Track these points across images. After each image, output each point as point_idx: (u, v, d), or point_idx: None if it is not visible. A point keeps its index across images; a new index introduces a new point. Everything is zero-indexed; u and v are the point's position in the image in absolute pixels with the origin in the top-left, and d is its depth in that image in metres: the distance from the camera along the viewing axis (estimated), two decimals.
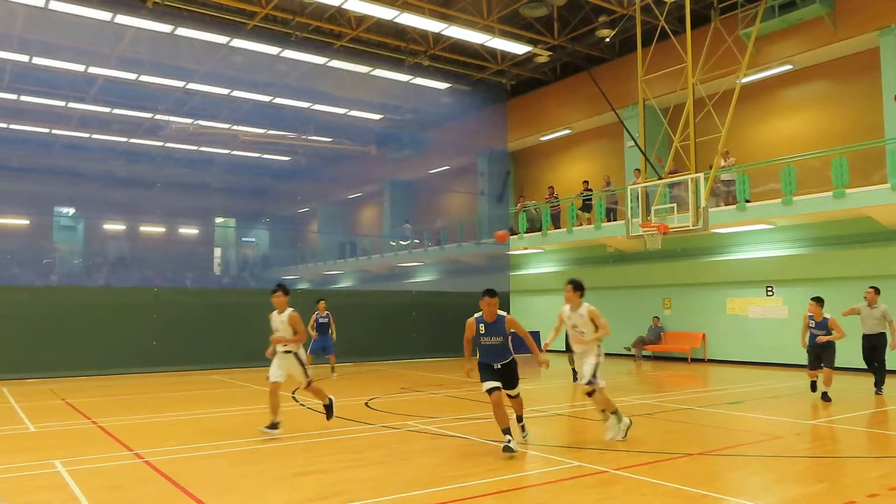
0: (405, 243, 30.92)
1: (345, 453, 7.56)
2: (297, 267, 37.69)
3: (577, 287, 8.09)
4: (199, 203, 34.95)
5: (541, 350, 7.84)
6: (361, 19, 20.80)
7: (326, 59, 22.64)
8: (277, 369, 8.77)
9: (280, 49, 21.60)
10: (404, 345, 21.84)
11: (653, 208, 17.33)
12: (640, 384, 15.32)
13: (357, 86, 25.42)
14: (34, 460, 7.25)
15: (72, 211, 36.21)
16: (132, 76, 23.62)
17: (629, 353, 21.54)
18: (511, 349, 7.58)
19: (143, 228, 37.56)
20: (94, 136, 29.38)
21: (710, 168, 17.39)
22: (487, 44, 21.56)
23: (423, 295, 23.83)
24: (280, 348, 8.80)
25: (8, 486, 6.22)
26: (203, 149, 31.53)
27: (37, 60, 22.08)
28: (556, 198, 24.28)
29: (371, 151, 31.71)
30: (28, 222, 34.41)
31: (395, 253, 31.54)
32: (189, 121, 28.61)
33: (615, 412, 8.06)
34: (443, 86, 25.50)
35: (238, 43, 21.15)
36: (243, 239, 42.39)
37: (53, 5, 18.13)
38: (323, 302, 15.81)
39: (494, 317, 7.46)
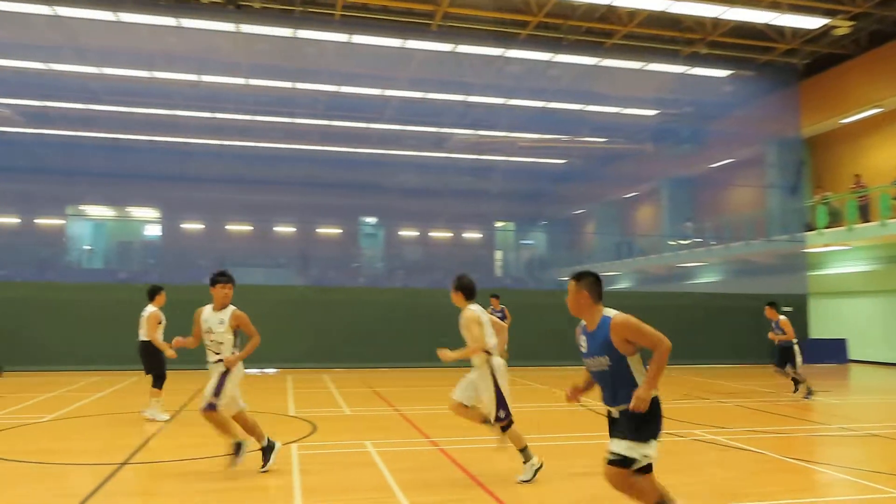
0: (685, 242, 29.39)
1: None
2: (574, 268, 37.90)
3: None
4: (481, 209, 36.93)
5: None
6: (633, 14, 20.30)
7: (598, 59, 22.51)
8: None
9: (552, 54, 22.00)
10: (685, 349, 20.74)
11: None
12: None
13: (630, 82, 24.85)
14: (350, 440, 8.29)
15: (374, 220, 40.77)
16: (420, 95, 25.90)
17: None
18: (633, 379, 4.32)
19: (432, 234, 40.92)
20: (391, 151, 32.74)
21: None
22: (774, 22, 19.64)
23: (707, 297, 22.44)
24: (211, 357, 6.66)
25: (326, 460, 7.19)
26: (484, 157, 33.35)
27: (343, 89, 25.33)
28: (863, 187, 21.19)
29: (647, 148, 30.74)
30: (340, 231, 39.49)
31: (674, 253, 30.15)
32: (470, 132, 30.48)
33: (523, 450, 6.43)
34: (723, 73, 23.80)
35: (513, 53, 22.02)
36: (522, 242, 43.89)
37: (356, 39, 20.67)
38: (496, 298, 15.73)
39: (595, 324, 4.42)
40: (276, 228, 38.20)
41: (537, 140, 31.21)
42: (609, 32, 21.60)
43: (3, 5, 18.71)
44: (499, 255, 42.88)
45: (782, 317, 12.53)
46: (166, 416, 9.77)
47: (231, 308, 6.67)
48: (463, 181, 33.79)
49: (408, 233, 41.04)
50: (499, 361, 6.63)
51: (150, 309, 10.06)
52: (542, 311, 19.66)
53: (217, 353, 6.56)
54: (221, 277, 6.79)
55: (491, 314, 7.08)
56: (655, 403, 4.28)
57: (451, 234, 41.50)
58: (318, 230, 38.91)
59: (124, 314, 17.05)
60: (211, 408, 6.34)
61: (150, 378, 9.81)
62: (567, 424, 9.68)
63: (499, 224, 42.93)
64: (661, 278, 31.27)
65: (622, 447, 4.22)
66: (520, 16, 20.36)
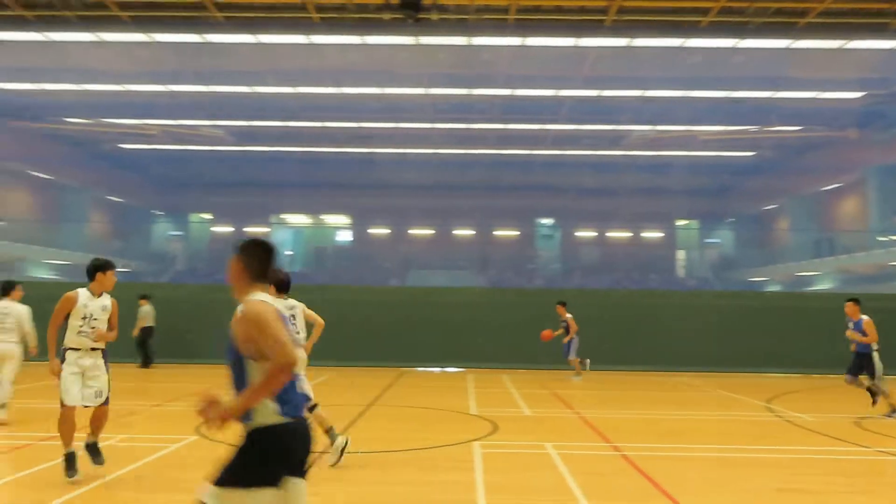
0: None
1: (834, 475, 6.82)
2: (766, 268, 35.23)
3: None
4: (661, 207, 35.47)
5: None
6: None
7: (790, 41, 20.75)
8: (77, 385, 6.15)
9: (737, 40, 20.63)
10: None
11: None
12: None
13: (828, 64, 22.63)
14: (530, 440, 8.39)
15: (551, 221, 40.64)
16: (595, 93, 25.44)
17: None
18: None
19: (609, 234, 39.97)
20: (567, 152, 32.46)
21: None
22: None
23: None
24: (88, 343, 6.20)
25: (507, 460, 7.34)
26: (662, 153, 32.02)
27: (518, 92, 25.56)
28: None
29: (850, 135, 27.81)
30: (517, 233, 39.79)
31: (885, 250, 26.98)
32: (648, 127, 29.43)
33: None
34: None
35: (693, 42, 20.94)
36: (706, 240, 41.55)
37: (529, 41, 20.79)
38: (563, 305, 16.24)
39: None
40: (455, 232, 39.30)
41: (721, 132, 29.41)
42: (802, 11, 19.81)
43: (214, 37, 21.05)
44: (681, 254, 40.92)
45: (865, 317, 10.71)
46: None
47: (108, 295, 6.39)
48: (641, 179, 32.67)
49: (585, 233, 40.42)
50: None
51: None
52: (730, 313, 18.54)
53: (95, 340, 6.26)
54: (111, 264, 6.48)
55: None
56: (273, 434, 3.05)
57: (630, 234, 40.23)
58: (495, 233, 39.49)
59: (320, 313, 18.56)
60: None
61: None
62: (769, 436, 9.08)
63: (681, 222, 40.94)
64: (868, 278, 28.14)
65: (207, 495, 3.01)
66: (700, 2, 19.32)
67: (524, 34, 20.61)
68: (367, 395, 12.40)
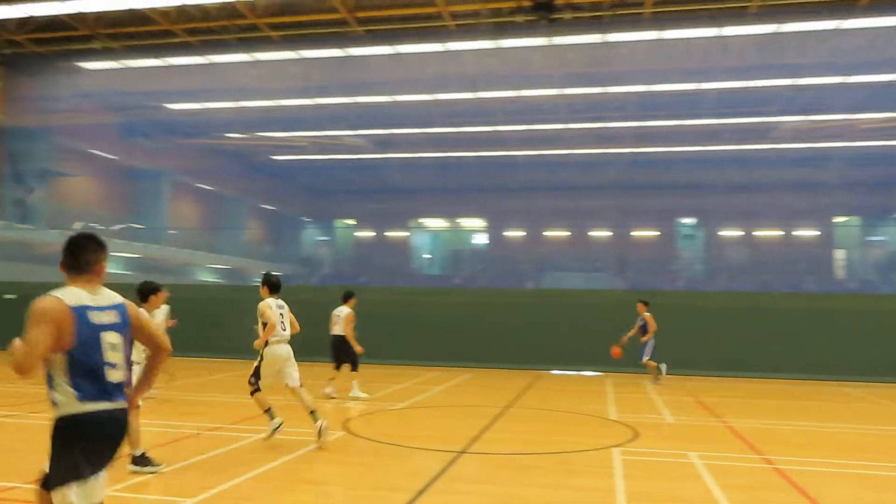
0: None
1: None
2: None
3: None
4: (816, 203, 32.95)
5: None
6: None
7: None
8: None
9: None
10: None
11: None
12: None
13: None
14: (672, 448, 8.12)
15: (693, 220, 38.91)
16: (740, 84, 24.09)
17: None
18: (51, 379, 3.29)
19: (757, 233, 37.62)
20: (709, 147, 30.98)
21: None
22: None
23: None
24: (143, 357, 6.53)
25: (649, 468, 7.14)
26: (817, 145, 29.75)
27: (655, 88, 24.72)
28: None
29: None
30: (657, 233, 38.45)
31: None
32: (800, 118, 27.45)
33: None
34: None
35: (851, 23, 19.30)
36: (869, 238, 38.03)
37: (667, 34, 20.06)
38: (641, 303, 15.38)
39: None
40: (592, 233, 38.63)
41: (885, 120, 26.82)
42: None
43: (356, 51, 22.09)
44: (840, 254, 37.72)
45: None
46: (366, 395, 11.83)
47: None
48: (793, 173, 30.50)
49: (730, 233, 38.32)
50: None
51: (346, 310, 12.17)
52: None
53: None
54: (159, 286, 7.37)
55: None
56: (73, 424, 3.05)
57: (781, 233, 37.65)
58: (633, 233, 38.40)
59: (459, 315, 18.89)
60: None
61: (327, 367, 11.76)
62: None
63: (839, 219, 37.75)
64: None
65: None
66: None
67: (661, 27, 19.94)
68: (504, 397, 12.50)
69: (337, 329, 12.25)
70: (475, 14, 19.94)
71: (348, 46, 21.90)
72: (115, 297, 3.36)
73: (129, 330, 3.36)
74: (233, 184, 36.15)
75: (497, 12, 19.88)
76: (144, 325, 3.50)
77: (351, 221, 43.13)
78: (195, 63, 23.43)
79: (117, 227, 29.15)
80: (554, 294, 21.14)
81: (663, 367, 15.71)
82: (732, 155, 30.87)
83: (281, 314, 7.97)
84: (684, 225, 39.36)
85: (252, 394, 7.94)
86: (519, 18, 20.01)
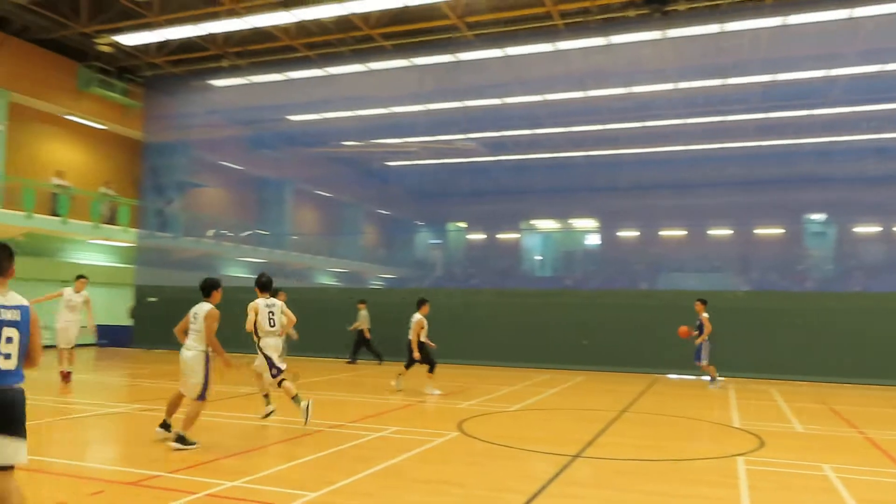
0: None
1: None
2: None
3: None
4: None
5: None
6: None
7: None
8: None
9: None
10: None
11: None
12: None
13: None
14: (802, 459, 7.67)
15: (822, 216, 36.42)
16: (874, 69, 22.37)
17: None
18: None
19: None
20: (838, 138, 28.95)
21: None
22: None
23: None
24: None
25: (776, 479, 6.78)
26: None
27: (779, 77, 23.37)
28: None
29: None
30: (782, 231, 36.32)
31: None
32: None
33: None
34: None
35: None
36: None
37: (791, 19, 18.92)
38: (699, 302, 15.00)
39: None
40: (710, 232, 37.07)
41: None
42: None
43: (466, 55, 22.34)
44: None
45: None
46: (440, 391, 12.57)
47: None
48: None
49: (866, 229, 35.53)
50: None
51: (416, 316, 12.95)
52: None
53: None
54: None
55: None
56: None
57: None
58: (756, 231, 36.48)
59: (571, 317, 18.70)
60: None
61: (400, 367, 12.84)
62: None
63: None
64: None
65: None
66: None
67: (785, 13, 18.84)
68: (619, 401, 12.25)
69: (411, 333, 13.00)
70: (585, 11, 19.66)
71: (459, 51, 22.20)
72: (21, 300, 4.09)
73: (28, 328, 4.05)
74: (349, 190, 37.45)
75: (606, 8, 19.51)
76: (34, 333, 4.13)
77: (462, 224, 43.57)
78: (314, 75, 24.53)
79: (245, 233, 30.94)
80: (670, 295, 20.44)
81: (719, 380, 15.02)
82: (867, 145, 28.63)
83: (270, 312, 9.03)
84: (813, 221, 36.88)
85: (279, 384, 9.01)
86: (630, 13, 19.56)
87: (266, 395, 9.31)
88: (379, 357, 19.05)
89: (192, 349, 7.69)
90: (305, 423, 8.71)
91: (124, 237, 24.73)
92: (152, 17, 20.74)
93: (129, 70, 25.42)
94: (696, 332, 14.80)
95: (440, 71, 23.59)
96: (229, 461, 6.97)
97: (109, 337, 24.42)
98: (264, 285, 9.24)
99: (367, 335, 18.90)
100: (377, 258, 40.43)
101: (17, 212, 20.90)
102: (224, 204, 31.73)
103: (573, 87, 25.17)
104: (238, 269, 31.24)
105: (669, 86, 24.81)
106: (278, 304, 9.26)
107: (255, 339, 9.05)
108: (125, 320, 24.06)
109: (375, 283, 37.99)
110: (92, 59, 24.07)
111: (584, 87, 25.12)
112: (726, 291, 20.05)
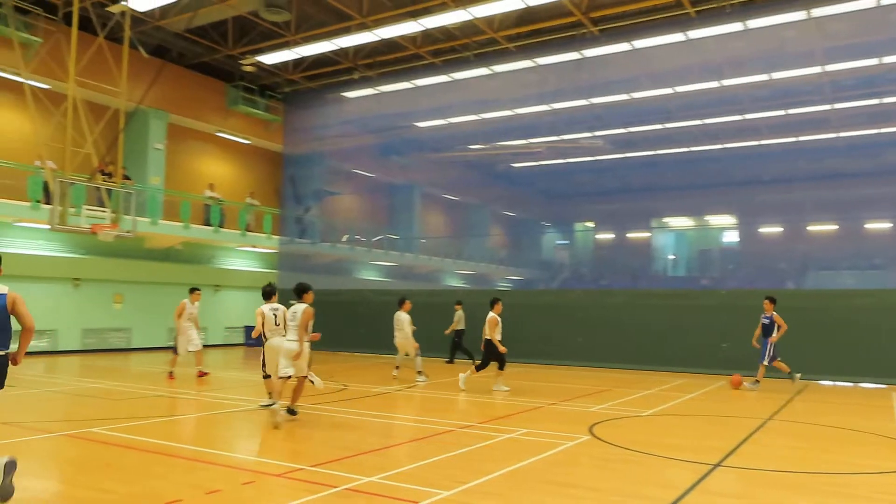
0: None
1: None
2: None
3: None
4: None
5: None
6: None
7: None
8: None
9: None
10: None
11: None
12: None
13: None
14: None
15: None
16: None
17: None
18: None
19: None
20: None
21: None
22: None
23: None
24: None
25: None
26: None
27: None
28: None
29: None
30: None
31: None
32: None
33: None
34: None
35: None
36: None
37: None
38: (768, 300, 14.20)
39: None
40: (867, 225, 34.04)
41: None
42: None
43: (592, 52, 21.91)
44: None
45: None
46: (507, 388, 12.84)
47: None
48: None
49: None
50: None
51: (490, 314, 12.93)
52: None
53: None
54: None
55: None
56: None
57: None
58: None
59: (708, 319, 17.80)
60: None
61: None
62: None
63: None
64: None
65: None
66: None
67: None
68: (765, 407, 11.53)
69: (487, 332, 12.98)
70: None
71: (584, 48, 21.82)
72: (3, 288, 5.39)
73: (6, 310, 5.38)
74: (476, 192, 37.79)
75: None
76: (17, 308, 5.46)
77: (590, 224, 42.72)
78: (440, 82, 25.02)
79: (376, 238, 32.03)
80: (820, 295, 18.95)
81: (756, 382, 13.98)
82: None
83: (274, 315, 10.04)
84: None
85: (263, 378, 10.40)
86: None
87: (269, 394, 10.41)
88: (470, 356, 19.28)
89: (294, 341, 9.17)
90: (274, 426, 8.99)
91: (267, 244, 26.36)
92: (290, 37, 22.00)
93: (269, 87, 27.12)
94: (760, 333, 14.34)
95: (565, 69, 23.28)
96: (366, 457, 7.24)
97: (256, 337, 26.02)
98: (267, 294, 10.45)
99: (461, 336, 19.18)
100: (504, 260, 40.50)
101: (175, 223, 22.84)
102: (357, 210, 33.03)
103: (707, 77, 23.99)
104: (370, 273, 32.39)
105: (816, 69, 23.07)
106: (282, 308, 10.11)
107: (264, 339, 10.17)
108: None
109: (503, 285, 38.06)
110: (237, 79, 25.92)
111: (720, 76, 23.87)
112: (887, 290, 18.33)
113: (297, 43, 22.39)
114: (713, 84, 24.55)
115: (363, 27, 20.77)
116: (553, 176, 35.90)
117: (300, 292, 9.43)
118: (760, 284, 26.36)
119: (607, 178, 35.00)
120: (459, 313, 19.14)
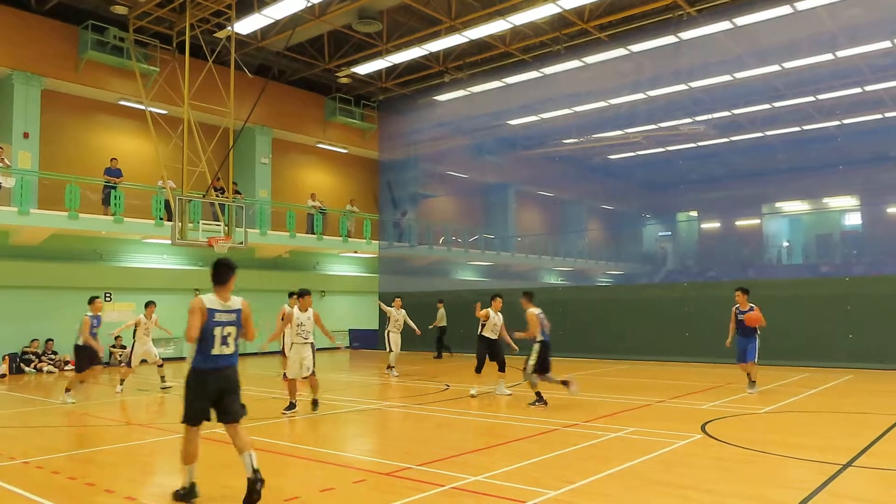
0: None
1: None
2: None
3: None
4: None
5: None
6: None
7: None
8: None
9: None
10: None
11: None
12: None
13: None
14: None
15: None
16: None
17: None
18: None
19: None
20: None
21: None
22: None
23: None
24: (301, 340, 10.38)
25: None
26: None
27: None
28: None
29: None
30: None
31: None
32: None
33: None
34: None
35: None
36: None
37: None
38: (739, 292, 12.39)
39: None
40: None
41: None
42: None
43: (689, 34, 21.00)
44: None
45: None
46: (510, 392, 12.30)
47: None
48: None
49: None
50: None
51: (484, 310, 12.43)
52: None
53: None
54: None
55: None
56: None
57: None
58: None
59: (831, 308, 16.66)
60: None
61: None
62: None
63: None
64: None
65: None
66: None
67: None
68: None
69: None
70: None
71: (681, 31, 20.96)
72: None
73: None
74: (571, 188, 37.17)
75: None
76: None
77: (693, 213, 41.05)
78: (530, 78, 24.77)
79: (472, 238, 32.11)
80: None
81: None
82: None
83: (300, 322, 10.34)
84: None
85: (283, 377, 10.79)
86: None
87: (314, 401, 10.91)
88: (448, 350, 21.31)
89: (309, 342, 10.25)
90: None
91: (368, 249, 27.00)
92: (382, 46, 22.45)
93: (364, 97, 27.79)
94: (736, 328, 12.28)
95: (660, 54, 22.46)
96: (472, 456, 7.25)
97: (360, 340, 26.76)
98: (299, 295, 10.75)
99: (443, 332, 20.96)
100: (603, 255, 39.60)
101: (282, 232, 23.80)
102: (452, 211, 33.24)
103: (820, 49, 22.48)
104: (468, 273, 32.49)
105: None
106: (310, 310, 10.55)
107: (282, 342, 11.30)
108: (372, 324, 26.18)
109: (602, 280, 37.24)
110: (334, 91, 26.73)
111: (834, 47, 22.33)
112: None
113: (388, 51, 22.81)
114: (826, 56, 22.98)
115: (452, 30, 20.88)
116: (652, 166, 34.78)
117: (301, 295, 10.36)
118: (890, 269, 24.45)
119: (711, 165, 33.50)
120: (441, 311, 20.84)
